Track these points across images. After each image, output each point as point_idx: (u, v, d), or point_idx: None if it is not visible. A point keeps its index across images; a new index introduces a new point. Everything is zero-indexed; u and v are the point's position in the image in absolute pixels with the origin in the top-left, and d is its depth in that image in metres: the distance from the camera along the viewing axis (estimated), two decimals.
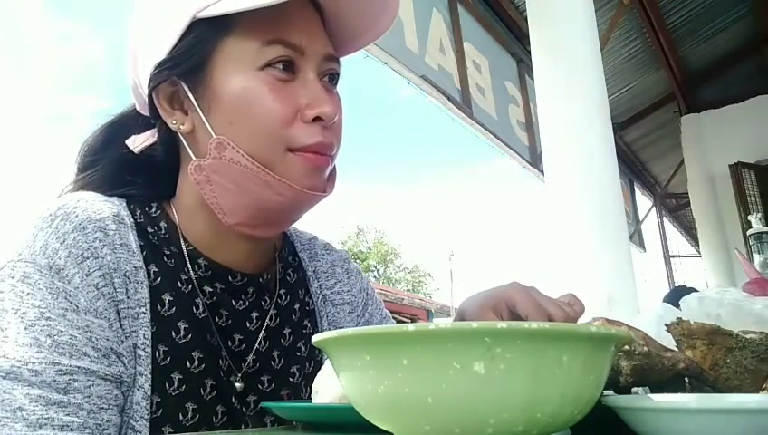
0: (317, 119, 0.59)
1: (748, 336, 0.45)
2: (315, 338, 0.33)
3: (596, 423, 0.35)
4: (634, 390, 0.45)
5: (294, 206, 0.61)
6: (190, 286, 0.62)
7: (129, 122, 0.70)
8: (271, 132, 0.58)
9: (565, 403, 0.29)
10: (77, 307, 0.54)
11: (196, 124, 0.60)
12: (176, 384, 0.58)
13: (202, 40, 0.59)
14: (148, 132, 0.67)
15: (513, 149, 4.56)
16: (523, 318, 0.60)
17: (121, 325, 0.57)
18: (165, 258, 0.62)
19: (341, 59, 0.66)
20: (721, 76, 6.28)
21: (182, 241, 0.64)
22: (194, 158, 0.60)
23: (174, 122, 0.61)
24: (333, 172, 0.65)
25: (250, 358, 0.65)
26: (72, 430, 0.50)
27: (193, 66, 0.59)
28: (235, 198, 0.60)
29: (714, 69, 6.22)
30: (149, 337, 0.58)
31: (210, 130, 0.58)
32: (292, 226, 0.77)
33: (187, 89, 0.60)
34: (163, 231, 0.64)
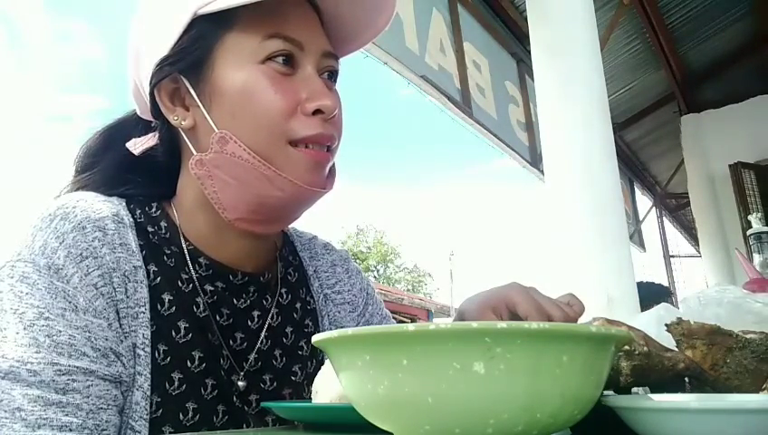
0: (317, 112, 0.60)
1: (748, 336, 0.45)
2: (315, 338, 0.33)
3: (596, 423, 0.35)
4: (634, 390, 0.45)
5: (294, 202, 0.62)
6: (191, 285, 0.62)
7: (128, 126, 0.70)
8: (272, 125, 0.58)
9: (565, 403, 0.29)
10: (76, 307, 0.54)
11: (197, 120, 0.61)
12: (176, 384, 0.58)
13: (203, 36, 0.60)
14: (149, 135, 0.67)
15: (513, 149, 4.55)
16: (522, 318, 0.60)
17: (121, 325, 0.57)
18: (165, 258, 0.62)
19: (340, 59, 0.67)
20: (721, 76, 6.26)
21: (182, 240, 0.64)
22: (195, 153, 0.60)
23: (175, 118, 0.62)
24: (333, 169, 0.66)
25: (252, 357, 0.65)
26: (70, 430, 0.50)
27: (194, 62, 0.60)
28: (235, 193, 0.60)
29: (714, 69, 6.21)
30: (149, 337, 0.58)
31: (212, 124, 0.59)
32: (292, 226, 0.78)
33: (188, 84, 0.60)
34: (163, 231, 0.64)
